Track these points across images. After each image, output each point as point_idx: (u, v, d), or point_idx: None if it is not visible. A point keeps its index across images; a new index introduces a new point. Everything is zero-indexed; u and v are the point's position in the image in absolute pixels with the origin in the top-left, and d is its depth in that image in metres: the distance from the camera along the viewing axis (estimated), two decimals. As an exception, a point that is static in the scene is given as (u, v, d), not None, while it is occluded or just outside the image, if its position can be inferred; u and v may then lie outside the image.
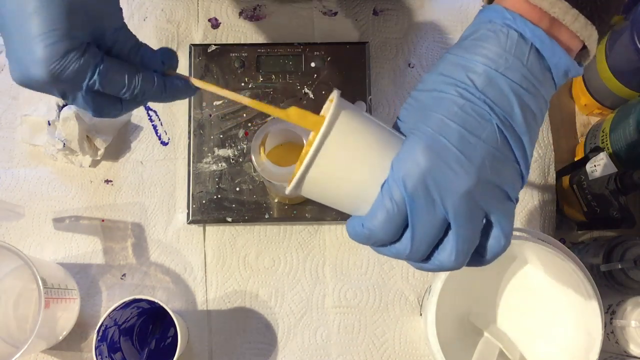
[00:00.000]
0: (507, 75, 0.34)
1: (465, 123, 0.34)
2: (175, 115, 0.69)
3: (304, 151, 0.38)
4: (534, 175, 0.69)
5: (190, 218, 0.64)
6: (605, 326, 0.58)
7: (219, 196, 0.64)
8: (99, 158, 0.67)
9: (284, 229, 0.67)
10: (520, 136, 0.35)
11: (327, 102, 0.38)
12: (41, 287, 0.53)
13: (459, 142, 0.33)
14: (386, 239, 0.35)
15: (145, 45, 0.40)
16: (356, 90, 0.66)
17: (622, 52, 0.62)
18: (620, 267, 0.58)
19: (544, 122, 0.70)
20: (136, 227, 0.67)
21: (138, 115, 0.69)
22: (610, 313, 0.60)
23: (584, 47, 0.37)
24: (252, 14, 0.72)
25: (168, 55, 0.41)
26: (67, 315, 0.61)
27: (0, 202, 0.62)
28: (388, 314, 0.66)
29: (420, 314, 0.65)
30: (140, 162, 0.68)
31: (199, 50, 0.66)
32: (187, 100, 0.66)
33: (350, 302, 0.66)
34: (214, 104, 0.65)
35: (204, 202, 0.64)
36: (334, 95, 0.35)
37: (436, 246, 0.35)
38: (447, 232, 0.34)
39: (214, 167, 0.65)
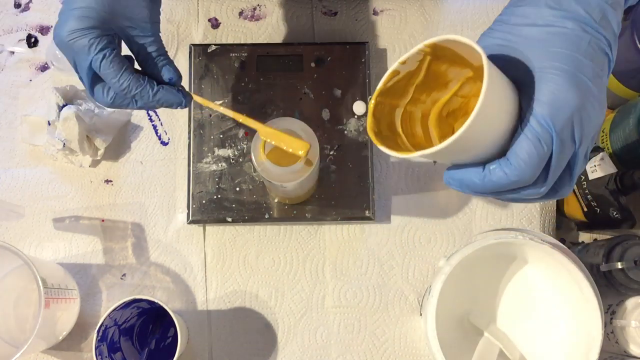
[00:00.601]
0: (613, 5, 0.35)
1: (594, 59, 0.34)
2: (175, 115, 0.69)
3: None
4: (534, 175, 0.69)
5: (190, 218, 0.64)
6: (605, 326, 0.58)
7: (219, 196, 0.64)
8: (99, 158, 0.67)
9: (284, 229, 0.67)
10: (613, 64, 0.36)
11: (439, 40, 0.36)
12: (41, 287, 0.53)
13: (594, 80, 0.34)
14: (530, 181, 0.35)
15: (163, 59, 0.48)
16: (356, 90, 0.66)
17: (622, 52, 0.62)
18: (620, 267, 0.58)
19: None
20: (136, 227, 0.67)
21: (138, 115, 0.69)
22: (610, 313, 0.60)
23: None
24: (252, 14, 0.72)
25: (173, 77, 0.49)
26: (67, 315, 0.61)
27: (0, 202, 0.62)
28: (388, 314, 0.66)
29: (420, 314, 0.65)
30: (140, 162, 0.68)
31: (199, 50, 0.66)
32: (187, 100, 0.67)
33: (350, 302, 0.66)
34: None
35: (204, 202, 0.64)
36: (480, 51, 0.33)
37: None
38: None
39: (214, 167, 0.65)
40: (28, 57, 0.71)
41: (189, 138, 0.65)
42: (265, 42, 0.70)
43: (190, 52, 0.67)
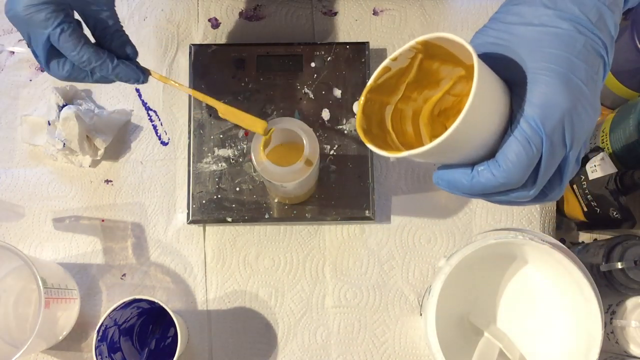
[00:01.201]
0: (610, 7, 0.34)
1: (588, 61, 0.33)
2: (175, 115, 0.69)
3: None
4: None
5: (190, 218, 0.64)
6: (605, 326, 0.58)
7: (219, 196, 0.64)
8: (99, 158, 0.67)
9: (284, 229, 0.67)
10: (609, 68, 0.35)
11: (430, 37, 0.36)
12: (41, 287, 0.53)
13: (587, 81, 0.33)
14: (519, 183, 0.34)
15: (121, 34, 0.49)
16: (356, 90, 0.66)
17: (622, 52, 0.62)
18: (620, 267, 0.58)
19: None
20: (136, 227, 0.67)
21: (138, 115, 0.69)
22: (610, 313, 0.60)
23: None
24: (252, 14, 0.72)
25: (132, 53, 0.50)
26: (67, 315, 0.61)
27: (0, 202, 0.62)
28: (388, 314, 0.66)
29: (420, 314, 0.65)
30: (140, 162, 0.68)
31: (199, 50, 0.66)
32: (187, 100, 0.67)
33: (350, 302, 0.66)
34: (214, 104, 0.65)
35: (204, 202, 0.64)
36: (471, 50, 0.33)
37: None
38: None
39: (214, 167, 0.65)
40: (28, 57, 0.71)
41: (189, 138, 0.65)
42: (265, 42, 0.70)
43: (190, 52, 0.67)
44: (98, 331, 0.56)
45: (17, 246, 0.56)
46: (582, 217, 0.65)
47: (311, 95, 0.66)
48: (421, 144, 0.34)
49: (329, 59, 0.66)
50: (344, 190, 0.64)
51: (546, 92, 0.32)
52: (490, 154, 0.35)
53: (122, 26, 0.50)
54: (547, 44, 0.33)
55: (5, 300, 0.63)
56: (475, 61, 0.32)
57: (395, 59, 0.38)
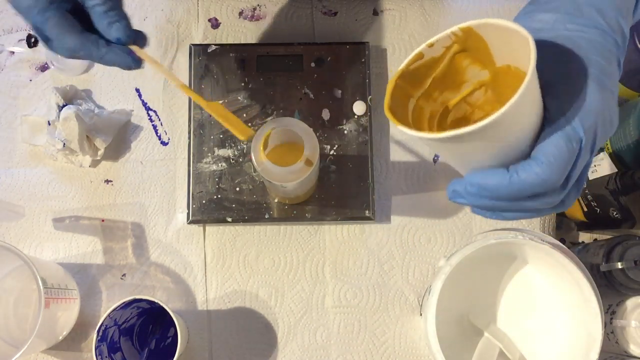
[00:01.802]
0: (626, 16, 0.36)
1: (612, 65, 0.35)
2: (175, 115, 0.69)
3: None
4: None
5: (190, 218, 0.64)
6: (605, 326, 0.58)
7: (219, 196, 0.64)
8: (99, 158, 0.67)
9: (284, 229, 0.67)
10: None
11: (476, 24, 0.35)
12: (41, 287, 0.53)
13: (612, 85, 0.35)
14: (558, 182, 0.34)
15: (111, 16, 0.45)
16: (356, 90, 0.66)
17: (622, 52, 0.62)
18: (620, 267, 0.58)
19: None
20: (136, 227, 0.67)
21: (138, 115, 0.69)
22: (610, 313, 0.60)
23: None
24: (252, 14, 0.72)
25: (122, 37, 0.45)
26: (67, 315, 0.61)
27: (0, 202, 0.62)
28: (388, 314, 0.66)
29: (420, 314, 0.65)
30: (140, 162, 0.68)
31: (199, 50, 0.66)
32: (187, 100, 0.67)
33: (350, 302, 0.66)
34: (214, 104, 0.65)
35: (204, 202, 0.64)
36: (529, 39, 0.32)
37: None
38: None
39: (214, 167, 0.65)
40: (28, 57, 0.71)
41: (189, 138, 0.65)
42: (265, 42, 0.70)
43: (190, 52, 0.67)
44: (98, 331, 0.56)
45: (17, 246, 0.56)
46: (582, 217, 0.65)
47: (311, 95, 0.66)
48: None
49: (329, 59, 0.66)
50: (344, 190, 0.64)
51: (581, 93, 0.33)
52: (521, 158, 0.35)
53: (119, 5, 0.46)
54: (580, 47, 0.34)
55: (5, 300, 0.63)
56: (531, 42, 0.31)
57: (431, 45, 0.37)
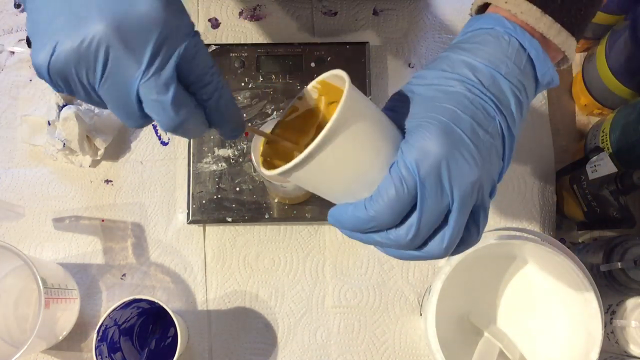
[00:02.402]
0: (508, 78, 0.36)
1: (475, 116, 0.35)
2: (175, 115, 0.69)
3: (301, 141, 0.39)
4: (534, 175, 0.69)
5: (190, 218, 0.64)
6: (605, 326, 0.58)
7: (219, 196, 0.64)
8: (99, 158, 0.67)
9: (284, 229, 0.67)
10: (513, 134, 0.37)
11: (327, 76, 0.37)
12: (41, 287, 0.53)
13: (471, 134, 0.34)
14: (390, 222, 0.34)
15: (225, 92, 0.37)
16: (356, 90, 0.66)
17: (622, 52, 0.62)
18: (620, 267, 0.58)
19: (544, 123, 0.71)
20: (136, 227, 0.67)
21: (138, 115, 0.69)
22: (610, 313, 0.60)
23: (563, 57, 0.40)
24: (252, 14, 0.72)
25: (236, 127, 0.39)
26: (67, 315, 0.61)
27: (0, 202, 0.62)
28: (388, 314, 0.66)
29: (420, 314, 0.65)
30: (140, 162, 0.68)
31: (199, 50, 0.66)
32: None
33: (350, 302, 0.66)
34: (214, 104, 0.65)
35: (204, 202, 0.64)
36: (345, 78, 0.34)
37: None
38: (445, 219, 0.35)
39: (214, 167, 0.65)
40: (28, 57, 0.71)
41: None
42: (265, 42, 0.70)
43: (190, 52, 0.66)
44: (98, 331, 0.56)
45: (17, 246, 0.56)
46: (582, 217, 0.65)
47: (311, 95, 0.66)
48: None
49: (329, 59, 0.66)
50: (344, 190, 0.64)
51: (425, 137, 0.34)
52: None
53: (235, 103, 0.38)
54: (438, 99, 0.36)
55: (5, 300, 0.63)
56: (347, 81, 0.34)
57: (301, 99, 0.39)
